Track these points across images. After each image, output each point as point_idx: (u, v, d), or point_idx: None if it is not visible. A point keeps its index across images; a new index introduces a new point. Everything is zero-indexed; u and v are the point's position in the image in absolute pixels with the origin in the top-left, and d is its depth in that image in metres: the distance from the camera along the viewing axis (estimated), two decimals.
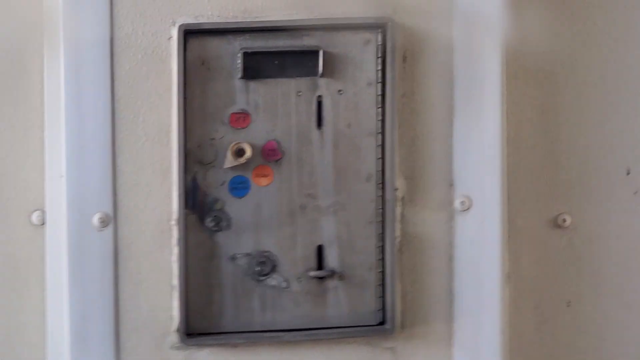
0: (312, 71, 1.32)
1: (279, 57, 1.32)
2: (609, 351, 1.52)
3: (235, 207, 1.32)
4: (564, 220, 1.50)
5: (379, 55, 1.33)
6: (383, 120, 1.33)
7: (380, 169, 1.34)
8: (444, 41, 1.35)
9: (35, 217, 1.39)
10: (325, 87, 1.33)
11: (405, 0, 1.35)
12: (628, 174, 1.51)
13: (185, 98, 1.30)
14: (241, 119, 1.32)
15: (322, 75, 1.32)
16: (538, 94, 1.49)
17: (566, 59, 1.50)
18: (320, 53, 1.31)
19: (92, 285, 1.31)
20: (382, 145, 1.33)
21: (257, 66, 1.32)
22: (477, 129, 1.36)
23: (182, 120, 1.30)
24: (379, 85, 1.34)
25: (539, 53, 1.48)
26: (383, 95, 1.33)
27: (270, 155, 1.33)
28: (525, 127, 1.49)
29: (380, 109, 1.34)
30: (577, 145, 1.51)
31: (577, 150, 1.51)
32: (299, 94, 1.33)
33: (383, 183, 1.34)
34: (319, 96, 1.34)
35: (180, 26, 1.30)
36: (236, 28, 1.32)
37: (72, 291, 1.31)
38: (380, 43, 1.33)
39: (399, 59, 1.34)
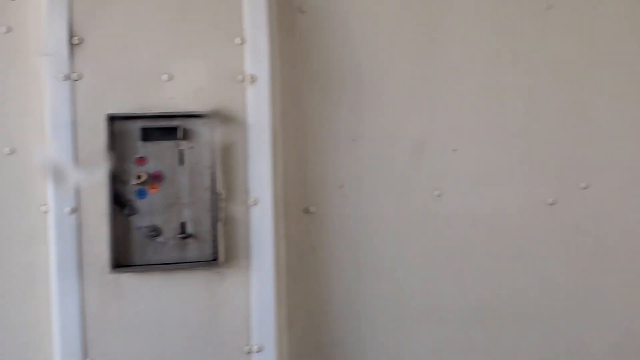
0: (176, 137, 2.66)
1: (161, 130, 2.66)
2: (349, 283, 2.91)
3: (140, 204, 2.64)
4: (310, 210, 2.88)
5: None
6: (214, 163, 2.67)
7: (213, 184, 2.68)
8: (243, 134, 2.70)
9: None
10: (184, 145, 2.67)
11: (223, 105, 2.70)
12: (341, 187, 2.90)
13: (113, 150, 2.62)
14: (142, 160, 2.65)
15: (183, 139, 2.66)
16: (296, 152, 2.88)
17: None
18: (180, 128, 2.65)
19: (71, 241, 2.61)
20: (214, 174, 2.68)
21: (149, 134, 2.65)
22: (263, 170, 2.72)
23: (111, 162, 2.61)
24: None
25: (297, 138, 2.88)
26: (214, 151, 2.68)
27: (157, 178, 2.66)
28: (291, 168, 2.87)
29: (212, 157, 2.68)
30: (314, 173, 2.90)
31: (314, 175, 2.90)
32: (171, 148, 2.66)
33: (214, 191, 2.68)
34: (181, 149, 2.67)
35: (107, 115, 2.62)
36: (138, 116, 2.65)
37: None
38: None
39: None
